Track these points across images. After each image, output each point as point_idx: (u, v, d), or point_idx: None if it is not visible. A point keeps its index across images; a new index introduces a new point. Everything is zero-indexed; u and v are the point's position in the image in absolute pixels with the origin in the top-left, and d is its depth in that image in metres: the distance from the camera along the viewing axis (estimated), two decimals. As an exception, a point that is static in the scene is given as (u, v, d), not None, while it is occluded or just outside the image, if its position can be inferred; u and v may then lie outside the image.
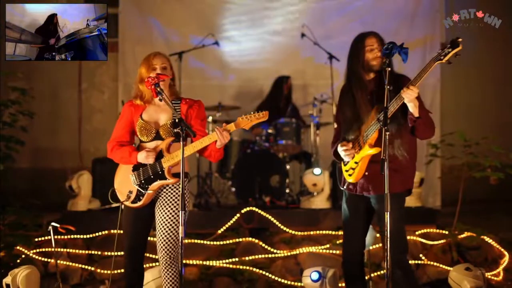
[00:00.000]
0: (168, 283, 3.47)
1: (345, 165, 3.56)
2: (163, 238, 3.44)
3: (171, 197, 3.47)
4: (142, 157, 3.45)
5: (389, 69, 3.19)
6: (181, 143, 3.23)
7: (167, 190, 3.49)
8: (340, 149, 3.53)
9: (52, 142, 7.81)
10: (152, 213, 3.52)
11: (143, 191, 3.46)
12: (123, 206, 3.54)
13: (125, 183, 3.53)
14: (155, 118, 3.52)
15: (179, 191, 3.42)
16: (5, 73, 5.95)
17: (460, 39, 3.10)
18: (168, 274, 3.46)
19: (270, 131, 6.58)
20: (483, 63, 7.72)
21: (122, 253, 3.58)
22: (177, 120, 3.25)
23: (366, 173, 3.47)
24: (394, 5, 7.72)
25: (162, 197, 3.49)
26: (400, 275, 3.40)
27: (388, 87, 3.16)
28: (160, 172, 3.43)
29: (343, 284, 4.95)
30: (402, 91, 3.25)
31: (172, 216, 3.44)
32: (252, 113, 3.38)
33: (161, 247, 3.45)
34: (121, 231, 3.59)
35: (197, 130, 3.45)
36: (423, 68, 3.22)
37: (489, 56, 7.78)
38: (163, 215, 3.46)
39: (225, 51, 7.53)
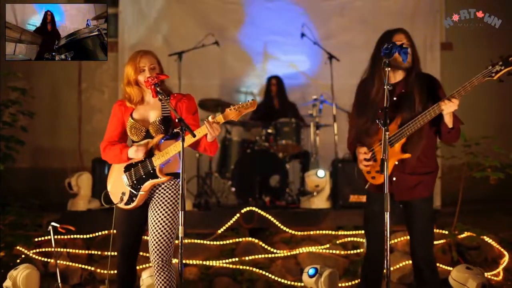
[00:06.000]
0: (161, 286, 3.40)
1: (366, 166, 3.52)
2: (155, 240, 3.38)
3: (164, 199, 3.41)
4: (132, 152, 3.40)
5: (389, 69, 3.19)
6: (181, 143, 3.17)
7: (159, 191, 3.43)
8: (360, 156, 3.50)
9: (52, 142, 7.81)
10: (145, 214, 3.47)
11: (136, 192, 3.41)
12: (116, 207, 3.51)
13: (117, 184, 3.50)
14: (145, 116, 3.46)
15: (172, 192, 3.42)
16: (5, 73, 5.96)
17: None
18: (160, 277, 3.39)
19: (270, 131, 6.57)
20: (483, 63, 7.68)
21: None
22: (177, 120, 3.20)
23: (394, 179, 3.45)
24: (394, 5, 7.71)
25: (155, 199, 3.43)
26: (429, 274, 3.49)
27: (387, 87, 3.16)
28: (151, 171, 3.39)
29: (343, 285, 4.98)
30: (443, 103, 3.28)
31: (165, 217, 3.38)
32: (240, 103, 3.28)
33: (153, 249, 3.38)
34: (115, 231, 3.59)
35: (190, 125, 3.30)
36: (469, 81, 3.29)
37: (489, 56, 7.75)
38: (155, 217, 3.39)
39: (225, 51, 7.52)
